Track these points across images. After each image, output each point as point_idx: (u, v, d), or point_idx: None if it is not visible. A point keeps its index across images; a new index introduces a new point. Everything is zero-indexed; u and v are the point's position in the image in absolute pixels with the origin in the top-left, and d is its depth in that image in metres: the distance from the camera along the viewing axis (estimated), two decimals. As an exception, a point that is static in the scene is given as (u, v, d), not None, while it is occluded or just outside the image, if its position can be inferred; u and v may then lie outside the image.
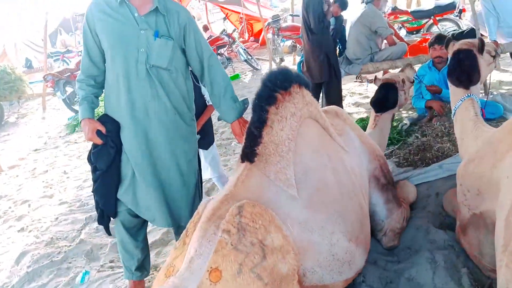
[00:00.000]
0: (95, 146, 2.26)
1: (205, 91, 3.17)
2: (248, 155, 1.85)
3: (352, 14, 6.51)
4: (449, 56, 2.90)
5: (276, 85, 1.91)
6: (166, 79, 2.19)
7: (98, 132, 2.19)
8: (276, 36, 9.27)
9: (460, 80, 2.71)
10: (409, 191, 2.94)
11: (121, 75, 2.13)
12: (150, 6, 2.13)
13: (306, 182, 1.87)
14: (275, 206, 1.72)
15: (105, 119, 2.25)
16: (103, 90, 2.30)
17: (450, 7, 7.29)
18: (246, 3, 11.66)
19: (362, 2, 5.45)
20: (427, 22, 7.59)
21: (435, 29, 7.34)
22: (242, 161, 1.87)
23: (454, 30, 5.82)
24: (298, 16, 9.95)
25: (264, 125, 1.86)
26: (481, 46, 2.80)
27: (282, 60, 9.41)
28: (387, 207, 2.48)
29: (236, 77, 9.15)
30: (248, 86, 8.43)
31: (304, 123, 1.97)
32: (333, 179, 1.98)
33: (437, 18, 7.40)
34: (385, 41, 5.12)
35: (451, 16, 7.41)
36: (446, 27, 7.44)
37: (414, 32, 7.69)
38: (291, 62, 10.02)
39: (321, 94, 4.97)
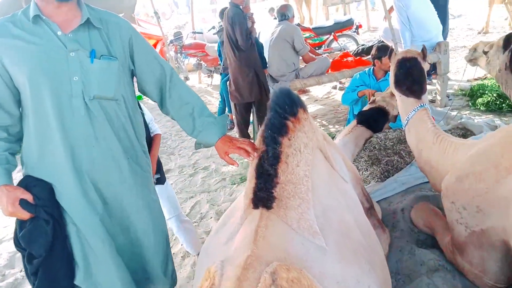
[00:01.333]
0: (21, 223, 1.64)
1: (151, 120, 2.74)
2: (264, 199, 1.52)
3: (263, 32, 6.49)
4: (392, 65, 2.95)
5: (286, 111, 1.63)
6: (113, 113, 1.71)
7: (23, 203, 1.59)
8: (179, 54, 8.88)
9: (411, 90, 2.74)
10: (377, 210, 2.85)
11: (51, 117, 1.61)
12: (77, 19, 1.65)
13: (329, 226, 1.61)
14: (307, 264, 1.41)
15: (29, 182, 1.66)
16: (21, 144, 1.72)
17: (348, 24, 7.72)
18: (141, 22, 11.06)
19: (275, 18, 5.46)
20: (327, 38, 7.92)
21: (335, 45, 7.69)
22: (256, 207, 1.54)
23: (363, 45, 6.14)
24: (201, 33, 9.76)
25: (279, 161, 1.57)
26: (424, 53, 2.91)
27: (187, 78, 9.04)
28: (376, 234, 2.33)
29: (138, 98, 8.50)
30: (156, 107, 7.86)
31: (315, 155, 1.72)
32: (351, 218, 1.75)
33: (337, 34, 7.77)
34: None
35: (349, 32, 7.85)
36: (345, 42, 7.87)
37: (317, 48, 7.96)
38: (197, 81, 9.72)
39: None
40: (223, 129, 1.84)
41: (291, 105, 1.63)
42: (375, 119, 3.06)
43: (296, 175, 1.58)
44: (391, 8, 5.23)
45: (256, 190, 1.55)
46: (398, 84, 2.81)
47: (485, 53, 3.31)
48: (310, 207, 1.58)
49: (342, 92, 6.50)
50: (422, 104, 2.73)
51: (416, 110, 2.73)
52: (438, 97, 5.03)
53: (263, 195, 1.52)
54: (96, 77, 1.64)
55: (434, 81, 5.28)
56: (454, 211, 2.12)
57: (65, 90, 1.60)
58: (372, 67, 4.46)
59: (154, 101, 1.89)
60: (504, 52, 3.12)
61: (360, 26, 8.18)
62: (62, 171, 1.65)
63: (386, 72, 4.30)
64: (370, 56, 4.61)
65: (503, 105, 4.49)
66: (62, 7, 1.62)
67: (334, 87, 6.53)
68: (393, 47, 4.07)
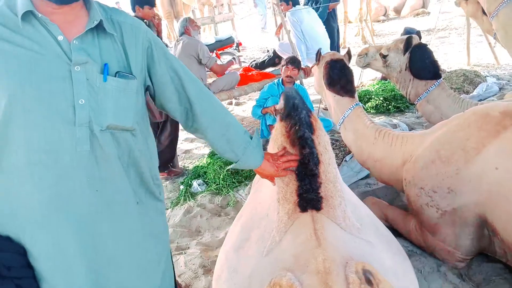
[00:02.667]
0: None
1: None
2: (313, 201, 1.44)
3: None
4: (320, 68, 3.14)
5: (308, 110, 1.58)
6: (126, 147, 1.31)
7: None
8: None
9: (345, 89, 2.93)
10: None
11: (36, 153, 1.16)
12: (82, 20, 1.24)
13: (362, 221, 1.59)
14: (367, 260, 1.36)
15: None
16: None
17: (229, 41, 7.90)
18: None
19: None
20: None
21: (218, 62, 7.78)
22: (303, 209, 1.44)
23: (257, 59, 6.35)
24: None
25: (319, 161, 1.50)
26: (350, 55, 3.17)
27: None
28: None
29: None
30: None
31: None
32: (366, 211, 1.77)
33: (219, 51, 7.89)
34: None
35: (230, 50, 8.04)
36: (228, 59, 8.05)
37: (200, 65, 7.97)
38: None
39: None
40: (261, 147, 1.58)
41: (304, 102, 1.60)
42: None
43: (331, 173, 1.54)
44: (280, 25, 5.54)
45: (301, 193, 1.45)
46: (332, 84, 2.97)
47: (384, 56, 3.67)
48: (347, 204, 1.55)
49: (239, 107, 6.65)
50: (357, 103, 2.93)
51: (352, 108, 2.92)
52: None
53: (312, 197, 1.44)
54: (111, 101, 1.24)
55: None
56: (423, 196, 2.29)
57: (65, 116, 1.17)
58: (281, 78, 4.64)
59: (176, 119, 1.52)
60: (404, 54, 3.54)
61: (240, 44, 8.45)
62: (45, 227, 1.21)
63: (293, 82, 4.53)
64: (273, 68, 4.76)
65: (390, 107, 5.09)
66: (63, 6, 1.21)
67: (230, 103, 6.59)
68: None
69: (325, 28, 5.34)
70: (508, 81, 5.51)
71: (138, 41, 1.32)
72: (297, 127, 1.50)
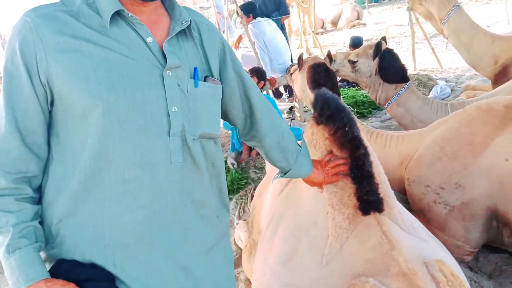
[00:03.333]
0: None
1: None
2: (375, 203, 1.39)
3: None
4: (303, 73, 3.16)
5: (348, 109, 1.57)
6: (212, 157, 1.20)
7: None
8: None
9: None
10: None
11: (132, 169, 1.04)
12: (164, 21, 1.15)
13: (408, 219, 1.57)
14: (432, 258, 1.36)
15: (72, 268, 1.04)
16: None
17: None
18: None
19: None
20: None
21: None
22: (366, 212, 1.39)
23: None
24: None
25: (371, 161, 1.46)
26: (331, 58, 3.22)
27: None
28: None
29: None
30: None
31: None
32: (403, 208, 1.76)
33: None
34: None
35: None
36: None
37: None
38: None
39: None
40: (309, 155, 1.50)
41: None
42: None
43: (382, 173, 1.51)
44: (239, 38, 5.54)
45: (361, 195, 1.40)
46: (317, 87, 2.98)
47: (354, 62, 3.76)
48: (397, 203, 1.52)
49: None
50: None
51: None
52: (297, 114, 5.51)
53: (373, 199, 1.39)
54: (203, 108, 1.14)
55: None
56: (430, 193, 2.34)
57: (160, 126, 1.05)
58: None
59: (235, 126, 1.42)
60: (374, 59, 3.65)
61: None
62: (140, 249, 1.08)
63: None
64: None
65: (353, 113, 5.23)
66: (148, 4, 1.09)
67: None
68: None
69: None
70: (456, 83, 5.90)
71: (215, 44, 1.22)
72: (347, 129, 1.45)
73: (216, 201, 1.23)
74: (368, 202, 1.38)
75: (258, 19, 5.23)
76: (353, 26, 13.15)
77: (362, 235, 1.35)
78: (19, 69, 0.99)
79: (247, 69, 4.85)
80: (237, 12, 5.00)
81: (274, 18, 5.95)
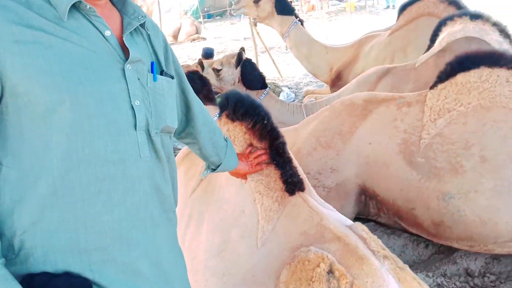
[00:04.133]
0: None
1: None
2: (298, 183, 1.59)
3: None
4: None
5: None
6: (168, 151, 1.20)
7: None
8: None
9: (208, 98, 3.14)
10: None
11: (104, 166, 0.99)
12: (117, 15, 1.12)
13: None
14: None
15: (46, 280, 0.95)
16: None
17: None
18: None
19: None
20: None
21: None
22: (292, 193, 1.57)
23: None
24: None
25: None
26: (202, 66, 3.39)
27: None
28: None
29: None
30: None
31: None
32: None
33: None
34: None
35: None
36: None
37: None
38: None
39: None
40: (233, 148, 1.58)
41: None
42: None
43: (293, 156, 1.71)
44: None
45: (286, 178, 1.57)
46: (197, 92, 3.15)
47: (218, 70, 3.98)
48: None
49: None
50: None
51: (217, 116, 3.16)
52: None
53: (296, 180, 1.58)
54: (162, 102, 1.13)
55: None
56: (311, 179, 2.66)
57: (125, 119, 1.02)
58: None
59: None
60: (236, 67, 3.96)
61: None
62: (118, 251, 1.03)
63: None
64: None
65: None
66: None
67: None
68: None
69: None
70: (296, 89, 6.68)
71: (159, 40, 1.21)
72: (265, 122, 1.61)
73: (172, 196, 1.24)
74: (293, 183, 1.56)
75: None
76: (194, 39, 13.54)
77: (292, 213, 1.53)
78: None
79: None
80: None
81: None
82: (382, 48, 4.53)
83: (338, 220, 1.52)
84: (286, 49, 5.68)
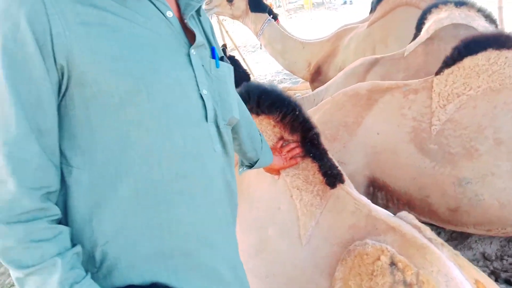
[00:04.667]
0: None
1: None
2: (338, 175, 1.52)
3: None
4: None
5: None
6: (231, 143, 1.10)
7: None
8: None
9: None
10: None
11: (184, 162, 0.88)
12: None
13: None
14: None
15: None
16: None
17: None
18: None
19: None
20: None
21: None
22: (333, 186, 1.49)
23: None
24: None
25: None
26: None
27: None
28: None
29: None
30: None
31: None
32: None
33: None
34: None
35: None
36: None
37: None
38: None
39: None
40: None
41: None
42: None
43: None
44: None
45: (326, 171, 1.49)
46: None
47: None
48: None
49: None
50: None
51: None
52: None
53: (336, 172, 1.51)
54: (226, 90, 1.02)
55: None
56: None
57: (197, 110, 0.92)
58: None
59: None
60: None
61: None
62: (204, 257, 0.93)
63: None
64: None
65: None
66: None
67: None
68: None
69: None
70: (271, 86, 6.62)
71: (208, 25, 1.10)
72: (297, 113, 1.52)
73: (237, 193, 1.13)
74: (333, 175, 1.48)
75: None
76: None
77: (336, 206, 1.44)
78: (26, 49, 0.74)
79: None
80: None
81: None
82: (362, 40, 4.55)
83: (384, 210, 1.45)
84: (260, 47, 5.59)
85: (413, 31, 3.75)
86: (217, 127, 0.98)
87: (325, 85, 4.01)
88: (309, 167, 1.51)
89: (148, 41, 0.86)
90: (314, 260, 1.39)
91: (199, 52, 0.96)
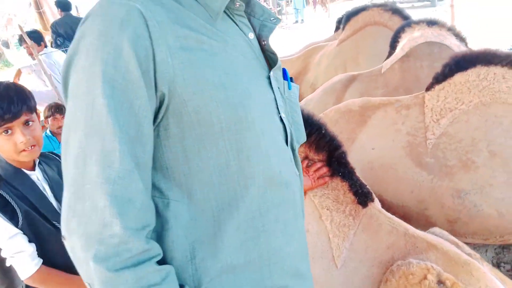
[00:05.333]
0: None
1: None
2: (368, 194, 1.49)
3: None
4: None
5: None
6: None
7: None
8: None
9: None
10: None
11: (278, 189, 0.83)
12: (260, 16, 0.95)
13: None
14: None
15: None
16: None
17: None
18: None
19: None
20: None
21: None
22: (365, 205, 1.46)
23: None
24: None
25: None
26: None
27: None
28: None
29: None
30: None
31: None
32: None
33: None
34: None
35: None
36: None
37: None
38: None
39: None
40: None
41: None
42: None
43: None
44: (19, 72, 4.74)
45: (357, 190, 1.47)
46: None
47: None
48: None
49: None
50: None
51: None
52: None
53: (366, 190, 1.49)
54: (298, 112, 0.99)
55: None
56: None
57: (281, 134, 0.88)
58: (48, 130, 4.03)
59: None
60: None
61: None
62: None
63: None
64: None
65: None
66: None
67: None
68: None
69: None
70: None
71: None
72: (323, 132, 1.50)
73: None
74: (364, 194, 1.46)
75: (49, 49, 4.54)
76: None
77: (370, 226, 1.42)
78: (128, 76, 0.67)
79: (43, 108, 4.15)
80: (20, 40, 4.21)
81: None
82: (333, 58, 4.64)
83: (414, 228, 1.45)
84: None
85: (383, 49, 3.90)
86: (293, 150, 0.94)
87: (302, 101, 4.05)
88: (339, 187, 1.49)
89: (239, 65, 0.81)
90: (352, 282, 1.35)
91: (275, 75, 0.91)
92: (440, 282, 1.21)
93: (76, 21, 5.92)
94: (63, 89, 0.73)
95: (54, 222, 1.55)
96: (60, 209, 1.59)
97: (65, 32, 5.44)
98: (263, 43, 0.91)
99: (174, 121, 0.73)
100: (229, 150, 0.76)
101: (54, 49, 4.73)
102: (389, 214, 1.47)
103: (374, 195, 1.52)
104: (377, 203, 1.52)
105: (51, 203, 1.59)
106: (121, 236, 0.65)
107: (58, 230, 1.51)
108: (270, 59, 0.90)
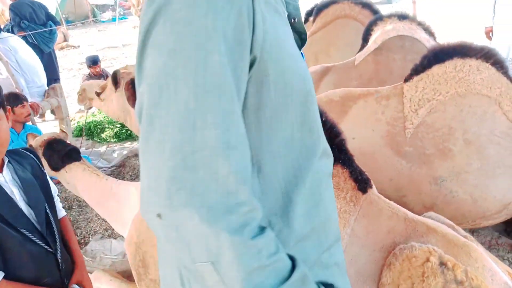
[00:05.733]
0: None
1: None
2: (367, 180, 1.52)
3: None
4: (122, 90, 2.96)
5: None
6: None
7: None
8: None
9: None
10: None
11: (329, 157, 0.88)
12: None
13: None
14: None
15: None
16: None
17: None
18: None
19: None
20: None
21: None
22: (364, 191, 1.49)
23: None
24: None
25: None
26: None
27: None
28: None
29: None
30: None
31: None
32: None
33: None
34: None
35: None
36: None
37: None
38: None
39: None
40: None
41: None
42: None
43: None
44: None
45: (357, 177, 1.49)
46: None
47: (98, 94, 3.28)
48: None
49: None
50: None
51: None
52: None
53: (365, 177, 1.51)
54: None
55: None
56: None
57: (317, 114, 0.84)
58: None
59: None
60: (116, 90, 3.09)
61: None
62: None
63: (23, 123, 3.81)
64: None
65: (131, 132, 5.02)
66: None
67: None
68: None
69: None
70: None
71: None
72: (323, 119, 1.50)
73: None
74: (363, 181, 1.49)
75: (3, 34, 4.25)
76: (62, 48, 12.32)
77: (370, 211, 1.45)
78: (241, 37, 0.64)
79: None
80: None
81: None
82: (304, 50, 4.68)
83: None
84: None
85: (353, 41, 3.98)
86: None
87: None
88: (340, 174, 1.50)
89: (293, 40, 0.80)
90: (355, 267, 1.38)
91: (302, 55, 0.91)
92: (442, 263, 1.26)
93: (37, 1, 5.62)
94: (140, 45, 0.64)
95: (21, 230, 1.36)
96: (31, 215, 1.42)
97: (29, 14, 5.14)
98: (292, 20, 0.87)
99: (253, 90, 0.69)
100: (294, 122, 0.74)
101: (10, 34, 4.45)
102: (387, 200, 1.51)
103: (372, 182, 1.55)
104: (375, 190, 1.56)
105: (20, 209, 1.40)
106: (249, 204, 0.61)
107: (26, 238, 1.37)
108: (300, 38, 0.89)
